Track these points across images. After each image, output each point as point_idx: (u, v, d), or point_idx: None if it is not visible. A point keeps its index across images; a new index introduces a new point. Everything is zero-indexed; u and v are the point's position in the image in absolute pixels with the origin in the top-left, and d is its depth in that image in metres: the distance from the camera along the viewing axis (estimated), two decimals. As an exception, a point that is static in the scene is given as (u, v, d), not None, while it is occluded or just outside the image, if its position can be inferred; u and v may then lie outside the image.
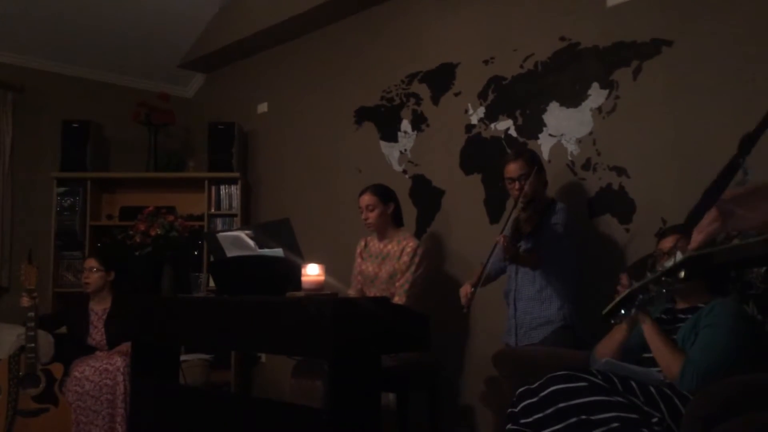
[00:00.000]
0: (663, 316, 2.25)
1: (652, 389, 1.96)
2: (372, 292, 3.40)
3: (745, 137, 1.31)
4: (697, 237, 1.46)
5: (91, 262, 3.90)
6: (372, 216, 3.37)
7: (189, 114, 5.63)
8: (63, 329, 3.91)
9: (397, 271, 3.30)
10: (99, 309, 3.87)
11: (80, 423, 3.44)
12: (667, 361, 2.05)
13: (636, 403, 1.90)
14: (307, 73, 4.75)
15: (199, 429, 2.72)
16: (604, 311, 2.01)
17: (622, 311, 1.93)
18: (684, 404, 1.89)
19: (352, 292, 3.51)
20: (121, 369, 3.49)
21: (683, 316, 2.24)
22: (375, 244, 3.48)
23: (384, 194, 3.41)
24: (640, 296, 1.84)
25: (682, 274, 1.57)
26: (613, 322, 2.02)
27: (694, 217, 1.56)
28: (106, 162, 5.28)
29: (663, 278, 1.67)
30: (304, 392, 3.11)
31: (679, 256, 1.60)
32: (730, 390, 1.81)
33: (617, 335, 2.31)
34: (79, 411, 3.45)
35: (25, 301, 3.53)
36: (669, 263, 1.65)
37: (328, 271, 2.58)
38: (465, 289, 2.90)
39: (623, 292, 1.95)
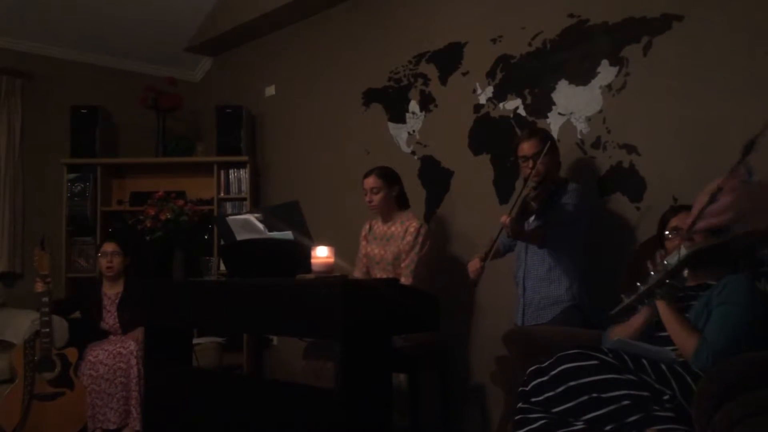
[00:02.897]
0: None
1: (663, 367, 1.96)
2: (377, 273, 3.41)
3: (748, 142, 1.29)
4: (708, 221, 1.31)
5: (113, 246, 3.91)
6: (376, 198, 3.37)
7: (196, 98, 5.63)
8: (76, 314, 3.96)
9: (402, 252, 3.31)
10: (112, 293, 3.90)
11: (95, 406, 3.49)
12: (682, 340, 2.04)
13: (647, 381, 1.90)
14: (315, 55, 4.73)
15: (213, 411, 2.75)
16: (613, 312, 2.02)
17: (633, 311, 1.95)
18: (696, 382, 1.88)
19: (357, 275, 3.53)
20: (135, 353, 3.53)
21: (693, 293, 2.23)
22: (379, 227, 3.49)
23: (389, 176, 3.41)
24: (646, 300, 1.85)
25: (686, 273, 1.58)
26: (620, 319, 2.04)
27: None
28: (115, 147, 5.29)
29: (667, 281, 1.68)
30: (316, 373, 3.13)
31: (676, 256, 1.61)
32: (742, 367, 1.81)
33: (636, 322, 2.27)
34: (94, 394, 3.49)
35: (39, 287, 3.56)
36: (672, 260, 1.66)
37: (337, 253, 2.59)
38: (474, 264, 2.92)
39: (627, 301, 1.94)
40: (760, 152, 1.27)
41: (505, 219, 2.68)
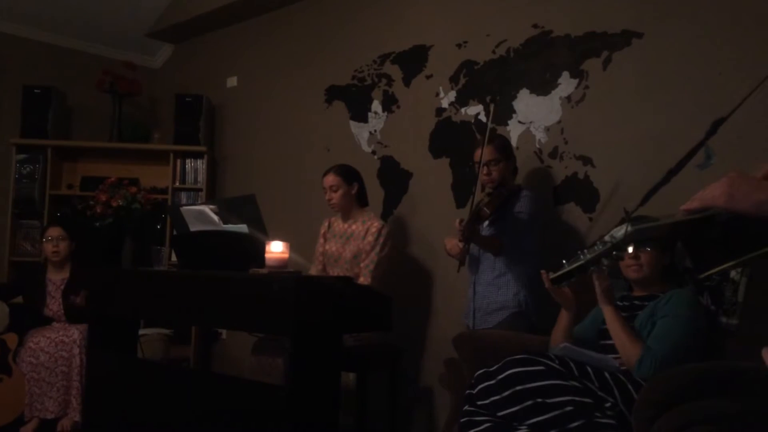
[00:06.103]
0: (619, 302, 2.30)
1: (606, 375, 2.00)
2: (335, 271, 3.40)
3: (717, 121, 1.27)
4: (693, 203, 1.21)
5: (59, 231, 3.82)
6: (335, 196, 3.35)
7: (156, 85, 5.51)
8: (19, 299, 3.84)
9: (362, 251, 3.30)
10: (57, 279, 3.80)
11: (34, 394, 3.39)
12: (626, 348, 2.10)
13: (591, 388, 1.94)
14: (279, 48, 4.69)
15: (157, 404, 2.70)
16: (553, 276, 2.09)
17: (572, 278, 1.99)
18: (637, 390, 1.93)
19: (313, 272, 3.50)
20: (78, 341, 3.44)
21: (639, 303, 2.29)
22: (339, 225, 3.47)
23: (347, 174, 3.40)
24: (592, 267, 1.88)
25: (630, 249, 1.59)
26: (559, 285, 2.11)
27: (653, 194, 1.52)
28: (67, 130, 5.15)
29: (613, 252, 1.70)
30: (264, 369, 3.10)
31: (626, 229, 1.61)
32: (681, 377, 1.86)
33: (562, 321, 2.36)
34: (32, 382, 3.40)
35: (-21, 269, 3.45)
36: (619, 233, 1.66)
37: (293, 248, 2.57)
38: (452, 242, 2.82)
39: (575, 263, 1.96)
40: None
41: (457, 223, 2.70)
